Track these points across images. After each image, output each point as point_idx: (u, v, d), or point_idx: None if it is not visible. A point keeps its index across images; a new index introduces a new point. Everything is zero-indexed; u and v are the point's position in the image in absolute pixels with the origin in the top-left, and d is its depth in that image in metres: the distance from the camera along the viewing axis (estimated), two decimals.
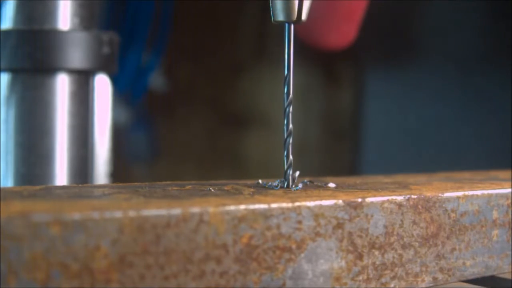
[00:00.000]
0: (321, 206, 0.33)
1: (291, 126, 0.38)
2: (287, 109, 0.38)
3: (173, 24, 0.99)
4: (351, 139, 1.18)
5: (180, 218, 0.29)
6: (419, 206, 0.37)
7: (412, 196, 0.37)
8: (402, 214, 0.36)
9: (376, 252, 0.35)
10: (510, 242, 0.42)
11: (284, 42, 0.38)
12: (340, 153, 1.19)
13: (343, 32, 0.82)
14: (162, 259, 0.29)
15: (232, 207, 0.31)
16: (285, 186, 0.38)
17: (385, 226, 0.36)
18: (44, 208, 0.27)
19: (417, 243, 0.37)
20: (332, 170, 1.12)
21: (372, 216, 0.35)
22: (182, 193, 0.34)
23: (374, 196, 0.35)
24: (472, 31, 0.98)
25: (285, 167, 0.38)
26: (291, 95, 0.38)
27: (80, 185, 0.37)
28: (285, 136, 0.38)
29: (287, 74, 0.38)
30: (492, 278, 0.41)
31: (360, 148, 1.17)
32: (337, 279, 0.34)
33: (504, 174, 0.51)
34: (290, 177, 0.38)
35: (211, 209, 0.30)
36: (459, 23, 0.99)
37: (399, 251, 0.36)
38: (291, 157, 0.38)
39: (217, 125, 1.16)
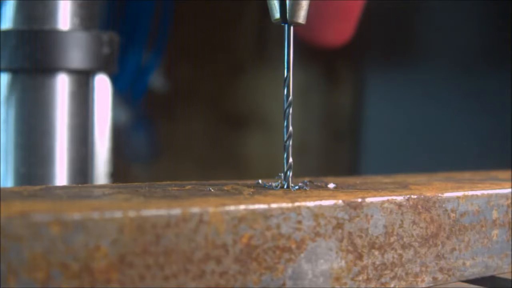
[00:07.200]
0: (321, 206, 0.33)
1: (290, 128, 0.38)
2: (287, 111, 0.38)
3: (173, 24, 0.99)
4: (351, 139, 1.18)
5: (180, 218, 0.29)
6: (419, 206, 0.37)
7: (412, 196, 0.37)
8: (402, 214, 0.36)
9: (376, 252, 0.35)
10: (510, 242, 0.42)
11: (284, 43, 0.38)
12: (340, 153, 1.19)
13: (340, 30, 0.82)
14: (162, 259, 0.29)
15: (232, 207, 0.31)
16: (285, 186, 0.38)
17: (385, 226, 0.36)
18: (44, 208, 0.27)
19: (417, 243, 0.37)
20: (332, 170, 1.12)
21: (372, 216, 0.35)
22: (182, 193, 0.34)
23: (374, 196, 0.35)
24: (472, 31, 0.98)
25: (285, 168, 0.38)
26: (291, 97, 0.38)
27: (80, 185, 0.37)
28: (285, 138, 0.38)
29: (286, 75, 0.38)
30: (492, 278, 0.41)
31: (360, 148, 1.17)
32: (337, 279, 0.34)
33: (504, 174, 0.50)
34: (290, 179, 0.38)
35: (211, 209, 0.30)
36: (460, 22, 0.99)
37: (399, 251, 0.36)
38: (291, 158, 0.38)
39: (217, 125, 1.16)
